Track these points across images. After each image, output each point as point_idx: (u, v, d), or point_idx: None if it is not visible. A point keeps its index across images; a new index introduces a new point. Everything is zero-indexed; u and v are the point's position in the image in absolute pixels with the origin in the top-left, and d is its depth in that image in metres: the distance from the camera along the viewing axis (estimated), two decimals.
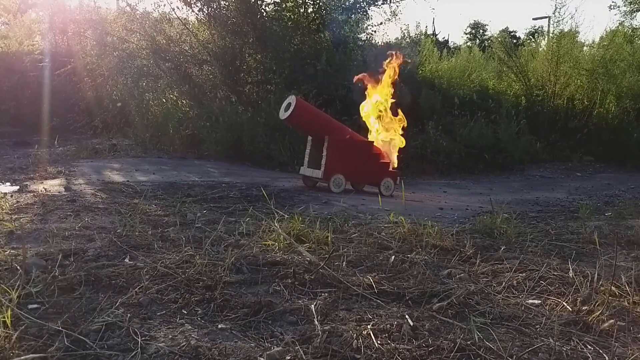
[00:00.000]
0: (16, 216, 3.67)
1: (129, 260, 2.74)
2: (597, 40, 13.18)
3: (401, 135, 6.59)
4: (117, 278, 2.45)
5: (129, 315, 2.04)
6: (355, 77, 6.62)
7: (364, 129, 6.75)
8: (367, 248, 3.22)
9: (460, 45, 20.79)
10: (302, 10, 10.05)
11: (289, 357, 1.79)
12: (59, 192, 4.79)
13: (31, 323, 1.90)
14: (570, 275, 2.75)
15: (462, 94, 10.89)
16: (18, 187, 5.00)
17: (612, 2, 17.46)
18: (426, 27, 18.53)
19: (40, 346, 1.76)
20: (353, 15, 10.40)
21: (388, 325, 2.05)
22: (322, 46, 9.84)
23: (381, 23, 11.08)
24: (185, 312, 2.15)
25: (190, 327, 2.01)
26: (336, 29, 9.99)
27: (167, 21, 10.14)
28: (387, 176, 6.29)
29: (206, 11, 9.61)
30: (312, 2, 10.10)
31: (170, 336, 1.91)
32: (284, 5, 9.86)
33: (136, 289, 2.30)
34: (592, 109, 11.27)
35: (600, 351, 1.94)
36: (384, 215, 4.26)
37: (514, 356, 1.85)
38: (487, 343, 1.92)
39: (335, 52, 9.51)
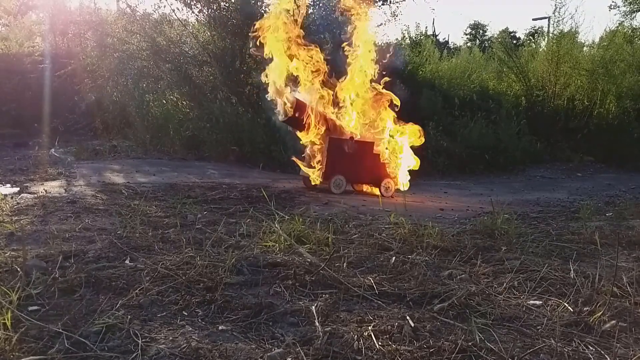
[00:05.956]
0: (16, 218, 3.67)
1: (130, 262, 2.73)
2: (597, 40, 13.23)
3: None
4: (118, 280, 2.44)
5: (129, 316, 2.04)
6: None
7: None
8: (368, 249, 3.21)
9: (460, 46, 20.82)
10: (302, 11, 10.04)
11: (289, 359, 1.78)
12: (59, 194, 4.78)
13: (31, 325, 1.90)
14: (572, 275, 2.74)
15: (462, 95, 10.90)
16: (18, 188, 5.00)
17: (612, 2, 17.44)
18: (426, 27, 18.53)
19: (41, 348, 1.76)
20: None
21: (389, 327, 2.04)
22: (322, 47, 9.83)
23: (381, 24, 11.10)
24: (185, 313, 2.15)
25: (190, 328, 2.01)
26: (336, 30, 9.98)
27: (167, 22, 10.14)
28: (387, 177, 6.29)
29: (206, 12, 9.61)
30: (312, 3, 10.10)
31: (170, 338, 1.91)
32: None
33: (136, 291, 2.29)
34: (593, 109, 11.28)
35: (602, 352, 1.93)
36: (385, 216, 4.25)
37: (515, 357, 1.85)
38: (489, 344, 1.92)
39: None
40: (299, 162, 6.23)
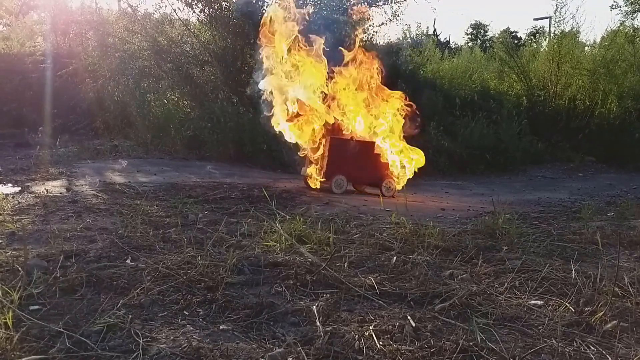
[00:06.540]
0: (18, 217, 3.67)
1: (131, 262, 2.73)
2: (598, 40, 13.20)
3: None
4: (119, 279, 2.44)
5: (130, 316, 2.04)
6: None
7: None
8: (369, 249, 3.21)
9: (461, 46, 20.81)
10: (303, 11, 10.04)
11: (290, 359, 1.78)
12: (60, 193, 4.79)
13: (32, 324, 1.90)
14: (573, 275, 2.74)
15: (463, 95, 10.89)
16: (20, 188, 5.01)
17: (614, 2, 17.40)
18: (427, 27, 18.51)
19: (42, 347, 1.76)
20: (354, 16, 10.38)
21: (390, 326, 2.04)
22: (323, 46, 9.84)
23: (382, 24, 11.08)
24: (186, 313, 2.15)
25: (191, 328, 2.01)
26: (337, 30, 9.98)
27: (169, 22, 10.16)
28: (388, 177, 6.29)
29: (207, 12, 9.61)
30: (312, 3, 10.09)
31: (171, 337, 1.91)
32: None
33: (137, 290, 2.29)
34: (594, 109, 11.27)
35: (604, 352, 1.93)
36: (386, 216, 4.25)
37: (517, 357, 1.85)
38: (490, 344, 1.91)
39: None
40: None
